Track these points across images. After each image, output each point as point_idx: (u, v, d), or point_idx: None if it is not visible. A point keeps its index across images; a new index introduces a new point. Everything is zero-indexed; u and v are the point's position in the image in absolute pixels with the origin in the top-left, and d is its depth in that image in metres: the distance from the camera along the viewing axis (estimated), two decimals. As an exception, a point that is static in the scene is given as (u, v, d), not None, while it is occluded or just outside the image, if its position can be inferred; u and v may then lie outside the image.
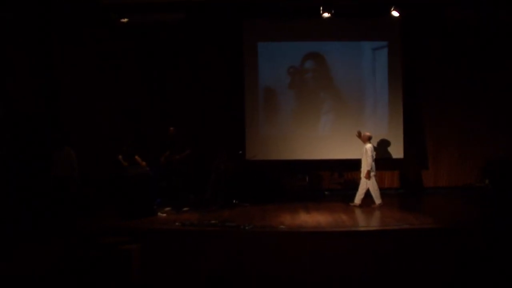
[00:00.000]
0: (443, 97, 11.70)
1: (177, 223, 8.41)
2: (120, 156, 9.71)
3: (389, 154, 11.36)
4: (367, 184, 9.86)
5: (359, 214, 9.24)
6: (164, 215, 9.24)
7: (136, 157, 9.73)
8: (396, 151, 11.38)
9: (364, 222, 8.51)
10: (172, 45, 11.56)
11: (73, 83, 10.91)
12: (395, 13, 10.51)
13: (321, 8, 10.32)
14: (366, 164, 9.82)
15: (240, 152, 10.82)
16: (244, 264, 7.30)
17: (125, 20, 10.43)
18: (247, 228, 8.07)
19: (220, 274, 6.80)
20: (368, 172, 9.77)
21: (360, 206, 9.89)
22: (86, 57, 11.08)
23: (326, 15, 10.38)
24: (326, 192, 11.26)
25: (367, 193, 9.93)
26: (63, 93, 10.81)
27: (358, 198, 9.97)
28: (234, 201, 10.27)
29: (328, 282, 7.21)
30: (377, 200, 9.88)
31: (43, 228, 8.27)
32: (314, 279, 7.24)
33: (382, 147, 11.34)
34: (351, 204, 9.99)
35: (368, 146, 9.91)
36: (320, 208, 9.92)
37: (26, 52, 10.22)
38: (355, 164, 11.47)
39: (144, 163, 9.67)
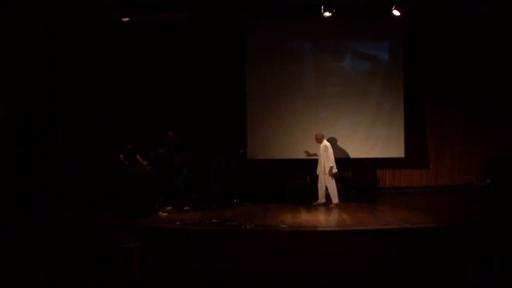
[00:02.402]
0: (444, 96, 11.71)
1: (178, 222, 8.41)
2: (121, 156, 9.76)
3: (390, 153, 11.38)
4: (325, 181, 9.97)
5: (360, 213, 9.24)
6: (166, 214, 9.25)
7: (138, 156, 9.77)
8: (397, 150, 11.39)
9: (365, 221, 8.51)
10: (174, 45, 11.57)
11: (76, 83, 10.95)
12: (396, 13, 10.51)
13: (322, 7, 10.32)
14: (328, 161, 9.92)
15: (241, 151, 10.83)
16: (245, 263, 7.32)
17: (127, 19, 10.44)
18: (248, 227, 8.07)
19: (223, 274, 6.84)
20: (331, 169, 9.87)
21: (325, 204, 10.01)
22: (89, 56, 11.12)
23: (327, 14, 10.38)
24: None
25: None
26: (67, 93, 10.85)
27: (332, 196, 10.04)
28: (235, 200, 10.28)
29: (330, 281, 7.23)
30: (321, 199, 10.03)
31: (46, 227, 8.29)
32: (315, 279, 7.25)
33: (382, 146, 11.37)
34: (314, 203, 10.07)
35: (328, 143, 10.05)
36: (321, 207, 9.93)
37: (30, 52, 10.26)
38: (356, 163, 11.53)
39: (145, 162, 9.71)
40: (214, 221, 8.44)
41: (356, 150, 11.39)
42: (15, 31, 10.06)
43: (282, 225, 8.28)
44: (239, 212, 9.48)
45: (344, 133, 11.37)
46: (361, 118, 11.43)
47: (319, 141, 10.14)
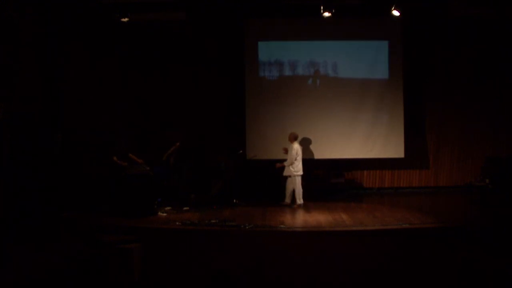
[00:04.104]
0: (444, 97, 11.71)
1: (177, 223, 8.42)
2: (115, 158, 9.69)
3: (389, 153, 11.38)
4: (291, 183, 9.99)
5: (359, 214, 9.24)
6: (165, 214, 9.25)
7: (130, 155, 9.71)
8: (397, 150, 11.39)
9: (364, 221, 8.51)
10: (172, 44, 11.57)
11: (74, 83, 10.94)
12: (395, 13, 10.51)
13: (322, 7, 10.31)
14: (286, 161, 9.99)
15: (241, 151, 10.83)
16: (244, 264, 7.31)
17: (126, 19, 10.44)
18: (247, 227, 8.08)
19: (223, 274, 6.83)
20: (283, 167, 9.96)
21: (290, 205, 10.03)
22: (87, 57, 11.11)
23: (326, 14, 10.38)
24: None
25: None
26: (65, 93, 10.84)
27: (289, 197, 10.10)
28: (234, 200, 10.27)
29: (329, 281, 7.22)
30: (298, 201, 10.01)
31: (44, 228, 8.29)
32: (314, 279, 7.25)
33: (382, 147, 11.36)
34: (295, 205, 10.04)
35: (296, 146, 10.04)
36: (320, 207, 9.93)
37: (27, 52, 10.23)
38: (355, 163, 11.52)
39: (140, 160, 9.67)
40: (213, 221, 8.46)
41: (356, 150, 11.38)
42: (13, 30, 10.05)
43: (281, 226, 8.29)
44: (238, 212, 9.48)
45: (344, 134, 11.36)
46: (360, 119, 11.41)
47: (291, 141, 10.11)
